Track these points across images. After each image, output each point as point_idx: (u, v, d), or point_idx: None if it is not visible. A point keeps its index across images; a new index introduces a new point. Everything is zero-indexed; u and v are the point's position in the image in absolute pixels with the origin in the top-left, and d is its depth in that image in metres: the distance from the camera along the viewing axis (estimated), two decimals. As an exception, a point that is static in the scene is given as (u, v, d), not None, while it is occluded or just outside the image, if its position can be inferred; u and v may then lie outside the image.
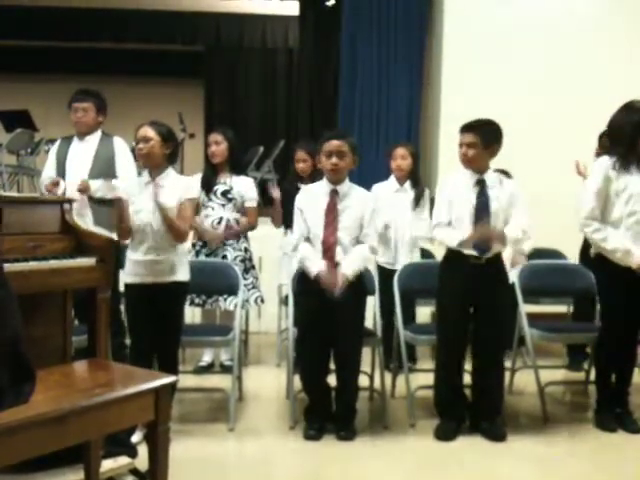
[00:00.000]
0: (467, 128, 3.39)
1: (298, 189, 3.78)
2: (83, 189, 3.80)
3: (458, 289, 3.39)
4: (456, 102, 5.83)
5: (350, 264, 3.31)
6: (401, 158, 4.51)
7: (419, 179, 4.62)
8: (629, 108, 3.41)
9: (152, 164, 3.22)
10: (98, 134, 4.02)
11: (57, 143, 4.12)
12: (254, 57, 10.31)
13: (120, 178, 3.91)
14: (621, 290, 3.43)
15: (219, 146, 4.30)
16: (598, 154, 3.79)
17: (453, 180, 3.49)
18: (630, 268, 3.37)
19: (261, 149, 8.24)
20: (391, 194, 4.50)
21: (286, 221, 4.43)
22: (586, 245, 4.32)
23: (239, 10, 9.65)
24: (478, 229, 3.29)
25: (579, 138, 4.76)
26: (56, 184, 3.79)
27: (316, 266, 3.30)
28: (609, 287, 3.50)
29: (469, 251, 3.35)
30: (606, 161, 3.44)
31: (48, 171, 4.02)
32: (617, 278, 3.41)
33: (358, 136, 6.40)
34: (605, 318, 3.58)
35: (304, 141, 5.02)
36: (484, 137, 3.35)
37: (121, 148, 4.01)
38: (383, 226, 4.35)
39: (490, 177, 3.41)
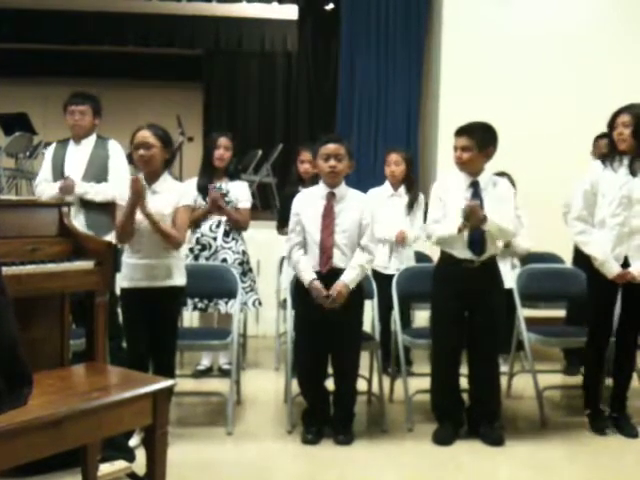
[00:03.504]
0: (462, 131, 3.40)
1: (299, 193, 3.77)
2: (65, 189, 3.79)
3: (452, 293, 3.39)
4: (455, 106, 5.84)
5: (349, 274, 3.31)
6: (394, 164, 4.51)
7: (413, 184, 4.62)
8: None
9: (151, 170, 3.21)
10: (93, 137, 4.00)
11: (53, 146, 4.10)
12: (253, 61, 10.31)
13: (111, 181, 3.89)
14: (611, 291, 3.43)
15: (228, 151, 4.31)
16: (600, 156, 3.80)
17: (447, 181, 3.51)
18: (625, 270, 3.38)
19: (259, 153, 8.24)
20: (385, 199, 4.50)
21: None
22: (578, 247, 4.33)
23: (238, 14, 9.65)
24: (465, 206, 3.27)
25: (577, 141, 4.77)
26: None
27: (309, 275, 3.32)
28: (599, 287, 3.49)
29: (463, 254, 3.36)
30: (597, 164, 3.47)
31: (44, 174, 4.00)
32: (609, 279, 3.42)
33: (357, 140, 6.42)
34: (593, 318, 3.58)
35: (309, 143, 5.01)
36: (479, 140, 3.35)
37: (115, 151, 3.98)
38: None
39: (484, 179, 3.42)
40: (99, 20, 9.58)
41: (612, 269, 3.38)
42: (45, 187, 3.93)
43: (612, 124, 3.44)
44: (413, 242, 4.51)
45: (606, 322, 3.51)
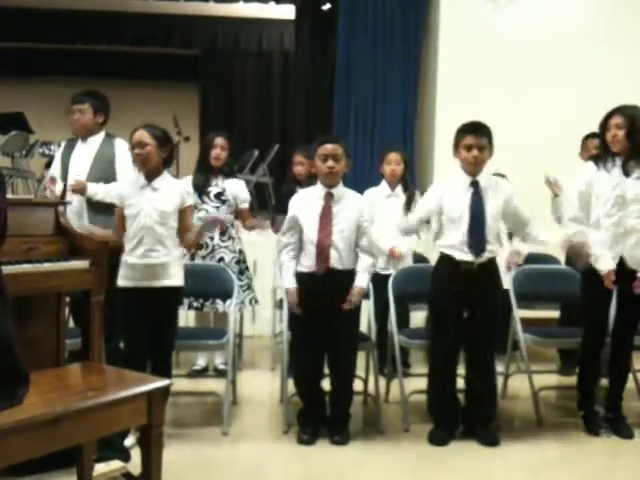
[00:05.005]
0: (480, 130, 3.36)
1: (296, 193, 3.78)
2: (78, 189, 3.79)
3: (451, 294, 3.38)
4: (452, 106, 5.84)
5: (363, 278, 3.37)
6: (395, 163, 4.51)
7: (409, 183, 4.63)
8: None
9: (148, 168, 3.21)
10: (101, 135, 3.95)
11: (63, 144, 4.11)
12: (250, 60, 10.30)
13: (119, 181, 3.88)
14: (606, 291, 3.44)
15: (224, 151, 4.31)
16: (589, 158, 3.80)
17: (444, 184, 3.50)
18: (620, 272, 3.39)
19: (256, 152, 8.24)
20: (383, 199, 4.50)
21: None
22: None
23: (235, 13, 9.64)
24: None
25: (575, 141, 4.77)
26: (54, 181, 3.78)
27: (289, 280, 3.39)
28: (594, 287, 3.49)
29: (462, 256, 3.36)
30: (591, 165, 3.47)
31: (53, 172, 4.02)
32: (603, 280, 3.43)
33: (353, 140, 6.42)
34: (587, 319, 3.59)
35: (304, 145, 5.02)
36: (491, 139, 3.38)
37: (122, 150, 3.94)
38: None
39: (484, 178, 3.42)
40: (96, 19, 9.56)
41: (606, 264, 3.38)
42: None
43: (604, 126, 3.45)
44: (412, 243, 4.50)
45: (601, 322, 3.52)
